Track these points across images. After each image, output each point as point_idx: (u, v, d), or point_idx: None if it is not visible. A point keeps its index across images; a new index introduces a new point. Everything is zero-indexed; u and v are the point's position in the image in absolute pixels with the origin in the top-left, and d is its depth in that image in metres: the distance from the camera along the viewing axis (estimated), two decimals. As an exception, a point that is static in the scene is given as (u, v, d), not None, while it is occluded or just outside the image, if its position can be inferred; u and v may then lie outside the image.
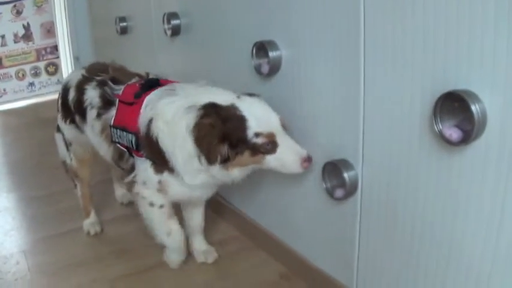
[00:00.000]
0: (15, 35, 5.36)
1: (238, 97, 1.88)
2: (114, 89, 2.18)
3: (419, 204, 1.55)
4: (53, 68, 5.60)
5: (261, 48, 1.99)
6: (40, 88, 5.59)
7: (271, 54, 1.95)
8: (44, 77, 5.59)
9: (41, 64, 5.55)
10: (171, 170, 1.99)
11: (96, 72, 2.34)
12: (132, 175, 2.12)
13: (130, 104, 2.07)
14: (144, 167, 2.06)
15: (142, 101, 2.04)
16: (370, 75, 1.61)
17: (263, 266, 2.25)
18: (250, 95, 1.92)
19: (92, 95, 2.26)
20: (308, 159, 1.82)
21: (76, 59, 5.35)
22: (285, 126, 1.87)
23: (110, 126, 2.12)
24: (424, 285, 1.61)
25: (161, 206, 2.11)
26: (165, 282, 2.26)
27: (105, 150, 2.27)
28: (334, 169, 1.77)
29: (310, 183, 1.97)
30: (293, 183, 2.08)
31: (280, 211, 1.96)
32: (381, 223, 1.72)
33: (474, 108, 1.26)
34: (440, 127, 1.36)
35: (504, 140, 1.26)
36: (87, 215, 2.70)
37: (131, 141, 2.04)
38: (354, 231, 1.83)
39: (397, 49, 1.49)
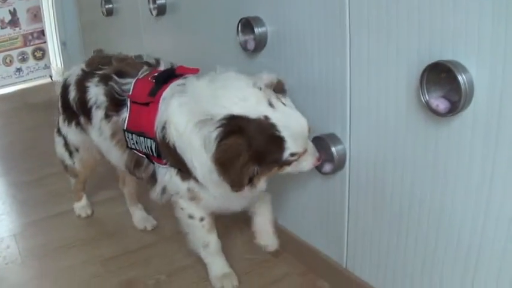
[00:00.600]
0: (2, 21, 5.31)
1: (271, 105, 1.60)
2: (122, 84, 1.91)
3: (408, 177, 1.55)
4: (40, 53, 5.56)
5: (247, 25, 1.97)
6: (28, 73, 5.55)
7: (257, 30, 1.94)
8: (31, 62, 5.55)
9: (28, 49, 5.51)
10: (195, 179, 1.78)
11: (97, 66, 2.08)
12: (159, 188, 1.92)
13: (146, 104, 1.81)
14: (169, 175, 1.85)
15: (159, 99, 1.78)
16: (356, 48, 1.60)
17: (254, 244, 2.25)
18: (276, 87, 1.68)
19: (96, 92, 2.00)
20: (319, 159, 1.73)
21: (63, 43, 5.32)
22: (309, 130, 1.67)
23: (124, 130, 1.89)
24: (414, 259, 1.61)
25: (201, 219, 1.94)
26: (156, 261, 2.26)
27: (117, 157, 2.03)
28: (322, 144, 1.76)
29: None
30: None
31: (268, 187, 1.94)
32: (370, 197, 1.72)
33: (461, 78, 1.26)
34: (427, 98, 1.35)
35: (492, 110, 1.26)
36: (79, 199, 2.67)
37: (150, 148, 1.81)
38: (343, 206, 1.83)
39: (382, 20, 1.48)
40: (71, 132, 2.30)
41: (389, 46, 1.48)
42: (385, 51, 1.49)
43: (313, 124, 1.70)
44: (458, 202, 1.41)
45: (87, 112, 2.06)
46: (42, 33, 5.48)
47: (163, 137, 1.74)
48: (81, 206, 2.67)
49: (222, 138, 1.57)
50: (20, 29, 5.41)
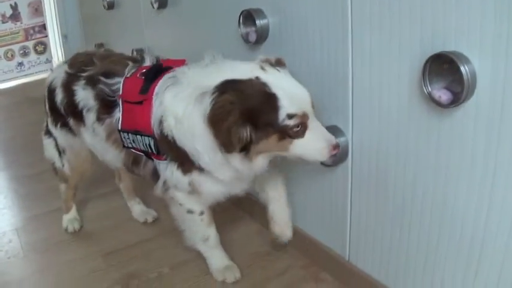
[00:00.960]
0: (3, 15, 5.31)
1: (263, 68, 1.60)
2: (111, 85, 1.88)
3: (410, 169, 1.54)
4: (42, 47, 5.57)
5: (248, 17, 1.96)
6: (29, 68, 5.56)
7: (259, 22, 1.93)
8: (32, 56, 5.55)
9: (30, 44, 5.51)
10: (200, 169, 1.74)
11: (81, 67, 2.03)
12: (161, 184, 1.89)
13: (139, 102, 1.79)
14: (170, 170, 1.81)
15: (151, 95, 1.76)
16: (358, 40, 1.59)
17: (256, 237, 2.24)
18: (273, 63, 1.65)
19: (84, 95, 1.96)
20: (337, 147, 1.63)
21: (64, 37, 5.31)
22: (313, 105, 1.62)
23: (118, 130, 1.87)
24: (416, 252, 1.61)
25: (201, 213, 1.92)
26: (157, 255, 2.26)
27: (115, 156, 2.00)
28: (324, 136, 1.75)
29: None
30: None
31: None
32: (372, 189, 1.71)
33: (463, 69, 1.25)
34: (430, 89, 1.34)
35: (494, 101, 1.25)
36: (68, 210, 2.54)
37: (149, 145, 1.79)
38: (346, 199, 1.83)
39: (384, 12, 1.47)
40: (58, 134, 2.27)
41: (391, 37, 1.47)
42: (388, 43, 1.48)
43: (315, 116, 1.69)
44: (461, 194, 1.40)
45: (77, 114, 2.03)
46: (43, 27, 5.48)
47: (161, 132, 1.72)
48: (68, 219, 2.53)
49: (215, 99, 1.55)
50: (21, 23, 5.41)
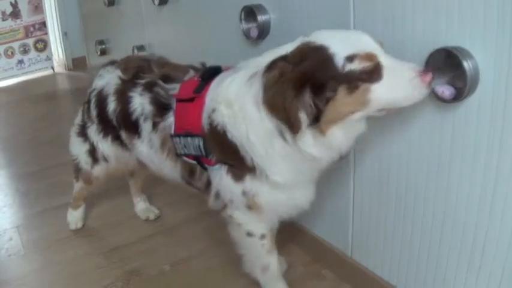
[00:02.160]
0: (3, 13, 5.31)
1: (307, 35, 1.41)
2: (168, 89, 1.75)
3: (413, 165, 1.53)
4: (42, 45, 5.56)
5: (250, 13, 1.96)
6: (29, 65, 5.56)
7: (260, 18, 1.92)
8: (33, 53, 5.54)
9: (30, 41, 5.51)
10: (253, 170, 1.55)
11: (136, 72, 1.89)
12: (213, 193, 1.71)
13: (191, 100, 1.64)
14: (219, 177, 1.65)
15: (205, 94, 1.62)
16: (360, 35, 1.58)
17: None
18: None
19: (141, 102, 1.82)
20: (428, 72, 1.29)
21: (65, 34, 5.32)
22: (381, 44, 1.36)
23: (171, 136, 1.72)
24: (419, 249, 1.60)
25: (262, 237, 1.74)
26: (159, 252, 2.25)
27: (171, 169, 1.85)
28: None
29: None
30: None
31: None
32: (375, 186, 1.70)
33: (466, 64, 1.25)
34: (433, 84, 1.33)
35: (497, 96, 1.24)
36: (76, 208, 2.51)
37: (199, 147, 1.64)
38: (348, 196, 1.82)
39: (387, 7, 1.46)
40: (106, 145, 2.11)
41: (394, 33, 1.46)
42: (390, 38, 1.47)
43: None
44: (464, 190, 1.40)
45: (131, 125, 1.87)
46: (43, 24, 5.48)
47: (211, 124, 1.56)
48: (75, 216, 2.51)
49: (265, 77, 1.40)
50: (22, 20, 5.41)
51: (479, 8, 1.22)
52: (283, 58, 1.38)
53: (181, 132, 1.67)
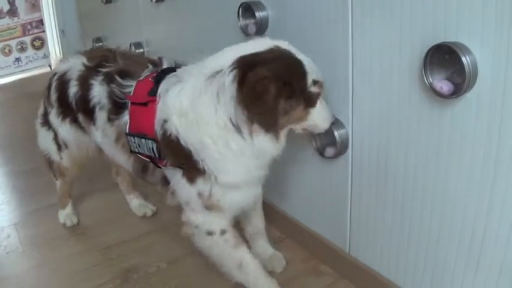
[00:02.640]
0: (0, 11, 5.30)
1: (273, 41, 1.55)
2: (124, 86, 1.77)
3: (411, 160, 1.53)
4: (39, 43, 5.55)
5: (248, 9, 1.95)
6: (27, 63, 5.55)
7: (258, 14, 1.92)
8: (30, 51, 5.54)
9: (27, 39, 5.50)
10: (203, 173, 1.62)
11: (100, 61, 1.92)
12: (170, 192, 1.77)
13: (145, 104, 1.69)
14: (176, 180, 1.71)
15: (158, 97, 1.66)
16: (358, 32, 1.58)
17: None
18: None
19: (100, 92, 1.86)
20: (333, 117, 1.67)
21: (62, 32, 5.30)
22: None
23: (126, 134, 1.76)
24: (417, 244, 1.60)
25: (222, 232, 1.73)
26: (155, 249, 2.25)
27: (124, 161, 1.91)
28: (324, 128, 1.74)
29: (300, 144, 1.94)
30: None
31: (271, 174, 1.92)
32: (373, 182, 1.70)
33: (465, 60, 1.25)
34: (431, 80, 1.34)
35: (496, 92, 1.24)
36: (64, 206, 2.52)
37: (152, 149, 1.69)
38: (346, 191, 1.82)
39: (385, 3, 1.46)
40: (64, 129, 2.16)
41: (392, 28, 1.46)
42: (389, 34, 1.47)
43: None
44: (462, 185, 1.40)
45: (89, 111, 1.92)
46: (40, 22, 5.47)
47: (164, 133, 1.62)
48: (65, 214, 2.51)
49: (242, 77, 1.45)
50: (19, 18, 5.40)
51: (478, 3, 1.22)
52: (258, 55, 1.49)
53: (136, 133, 1.72)
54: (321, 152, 1.79)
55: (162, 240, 2.31)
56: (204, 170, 1.60)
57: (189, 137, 1.58)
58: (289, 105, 1.49)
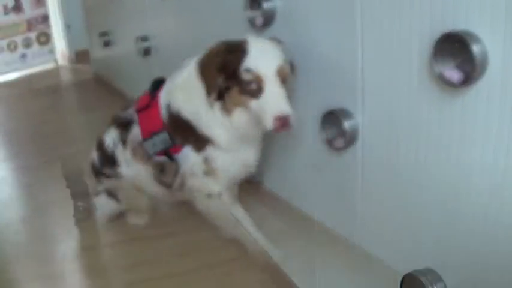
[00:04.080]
0: (5, 7, 5.31)
1: (256, 36, 1.83)
2: (126, 113, 2.14)
3: (421, 151, 1.52)
4: (45, 38, 5.57)
5: (254, 0, 1.94)
6: (32, 59, 5.57)
7: (265, 5, 1.91)
8: (35, 47, 5.55)
9: (32, 35, 5.51)
10: (209, 142, 1.90)
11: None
12: (178, 182, 2.03)
13: (148, 106, 2.01)
14: (186, 155, 1.96)
15: (158, 97, 2.00)
16: (367, 21, 1.57)
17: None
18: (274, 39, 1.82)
19: (112, 136, 2.19)
20: (284, 120, 1.65)
21: (67, 27, 5.31)
22: (283, 78, 1.71)
23: (143, 141, 2.02)
24: (427, 237, 1.59)
25: (219, 195, 1.99)
26: (161, 245, 2.24)
27: (147, 174, 2.12)
28: (333, 119, 1.73)
29: (309, 135, 1.93)
30: (292, 137, 2.04)
31: (279, 166, 1.93)
32: (382, 173, 1.69)
33: (474, 48, 1.23)
34: (441, 69, 1.32)
35: (507, 80, 1.23)
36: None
37: (165, 140, 1.96)
38: (355, 183, 1.81)
39: (394, -9, 1.45)
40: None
41: (401, 17, 1.45)
42: (397, 22, 1.46)
43: (324, 99, 1.67)
44: (475, 176, 1.38)
45: (112, 161, 2.19)
46: (46, 18, 5.48)
47: (170, 114, 1.93)
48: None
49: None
50: (24, 14, 5.41)
51: (487, -9, 1.21)
52: (225, 42, 1.78)
53: (148, 135, 1.99)
54: (330, 143, 1.78)
55: (167, 236, 2.29)
56: (207, 137, 1.89)
57: (187, 109, 1.90)
58: (227, 84, 1.74)
